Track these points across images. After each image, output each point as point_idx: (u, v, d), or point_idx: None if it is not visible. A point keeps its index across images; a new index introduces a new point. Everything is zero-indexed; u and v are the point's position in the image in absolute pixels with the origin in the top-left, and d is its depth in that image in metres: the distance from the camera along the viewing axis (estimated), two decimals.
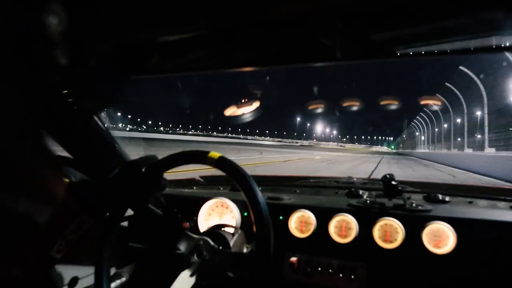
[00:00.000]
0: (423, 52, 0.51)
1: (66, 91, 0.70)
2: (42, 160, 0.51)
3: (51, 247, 0.60)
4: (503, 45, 0.44)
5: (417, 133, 41.86)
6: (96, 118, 0.79)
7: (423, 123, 34.71)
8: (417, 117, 36.93)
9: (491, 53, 0.49)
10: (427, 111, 29.62)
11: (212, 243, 0.77)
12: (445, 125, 25.27)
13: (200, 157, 0.76)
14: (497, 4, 0.41)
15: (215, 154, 0.75)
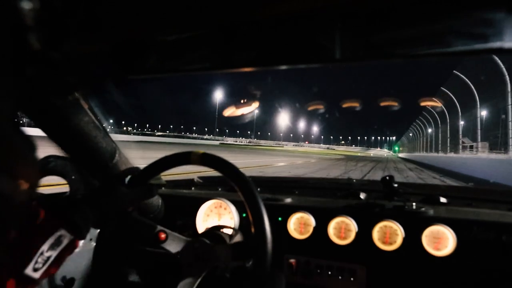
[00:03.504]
0: (423, 53, 0.51)
1: (64, 90, 0.70)
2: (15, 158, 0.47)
3: (25, 266, 0.54)
4: (505, 47, 0.43)
5: (429, 130, 31.61)
6: (93, 118, 0.79)
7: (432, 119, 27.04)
8: (424, 113, 29.66)
9: (492, 55, 0.48)
10: (441, 104, 23.34)
11: (207, 241, 0.76)
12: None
13: (183, 158, 0.76)
14: (499, 5, 0.40)
15: (198, 151, 0.74)
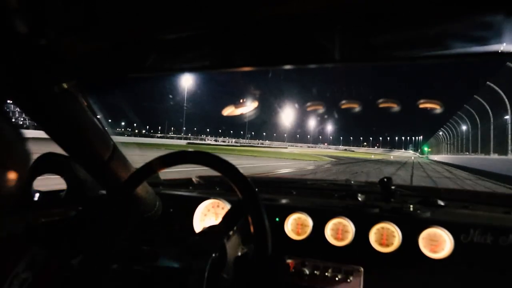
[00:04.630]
0: (422, 56, 0.51)
1: (63, 88, 0.69)
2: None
3: None
4: (504, 51, 0.43)
5: (464, 127, 25.11)
6: (92, 116, 0.79)
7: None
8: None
9: (493, 59, 0.48)
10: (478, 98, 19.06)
11: (198, 238, 0.75)
12: None
13: (147, 170, 0.74)
14: (497, 9, 0.41)
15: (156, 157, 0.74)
